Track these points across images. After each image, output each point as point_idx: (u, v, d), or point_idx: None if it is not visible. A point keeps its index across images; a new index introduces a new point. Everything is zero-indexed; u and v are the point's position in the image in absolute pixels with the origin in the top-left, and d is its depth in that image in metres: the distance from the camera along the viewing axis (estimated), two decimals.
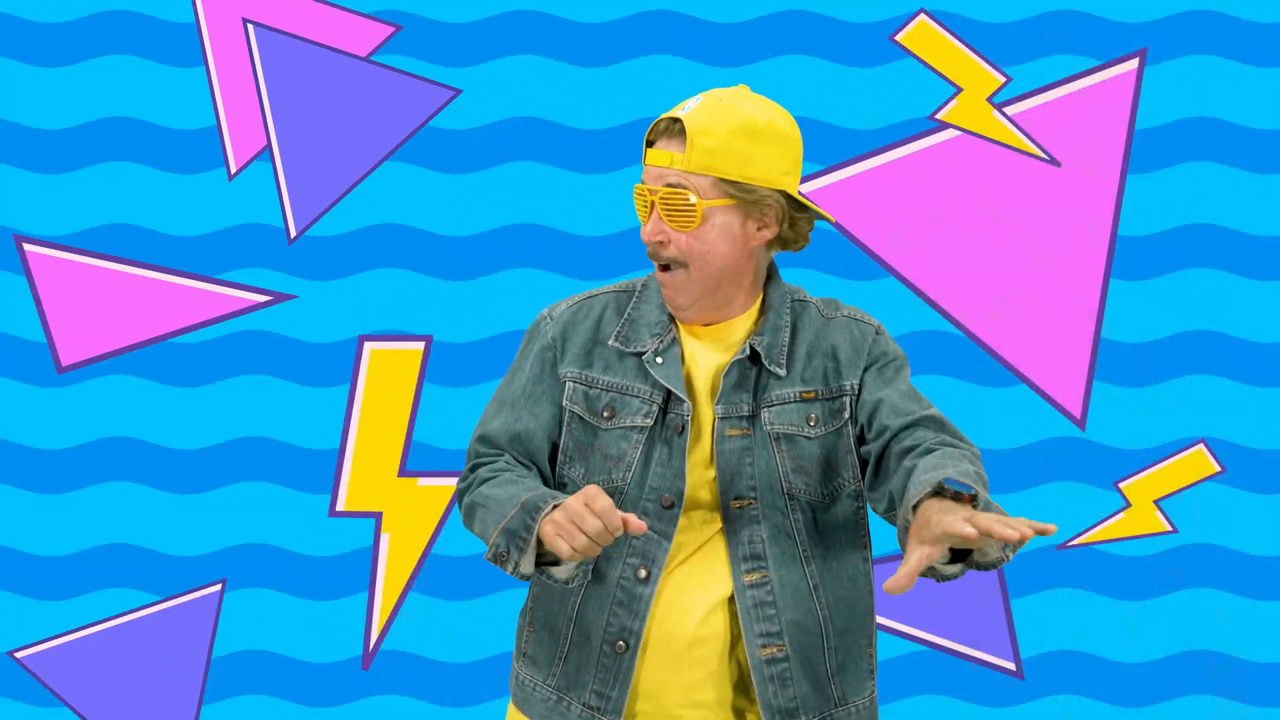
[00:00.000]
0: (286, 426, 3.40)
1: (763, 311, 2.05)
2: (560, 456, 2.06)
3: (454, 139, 3.39)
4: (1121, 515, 3.40)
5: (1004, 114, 3.37)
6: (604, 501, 1.79)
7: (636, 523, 1.79)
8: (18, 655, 3.40)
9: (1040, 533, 1.65)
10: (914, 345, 3.39)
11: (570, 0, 3.40)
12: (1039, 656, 3.42)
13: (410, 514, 3.40)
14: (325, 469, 3.40)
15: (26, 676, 3.40)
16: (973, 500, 1.73)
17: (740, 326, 2.04)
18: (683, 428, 1.99)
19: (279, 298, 3.39)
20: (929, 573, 1.79)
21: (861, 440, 2.03)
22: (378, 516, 3.40)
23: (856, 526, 2.05)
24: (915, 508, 1.76)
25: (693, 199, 1.94)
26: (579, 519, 1.79)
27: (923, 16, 3.38)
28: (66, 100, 3.38)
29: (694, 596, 2.00)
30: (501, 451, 2.06)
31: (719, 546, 2.01)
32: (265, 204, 3.39)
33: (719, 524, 2.01)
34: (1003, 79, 3.37)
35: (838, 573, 2.04)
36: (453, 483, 3.38)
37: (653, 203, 1.96)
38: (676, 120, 1.96)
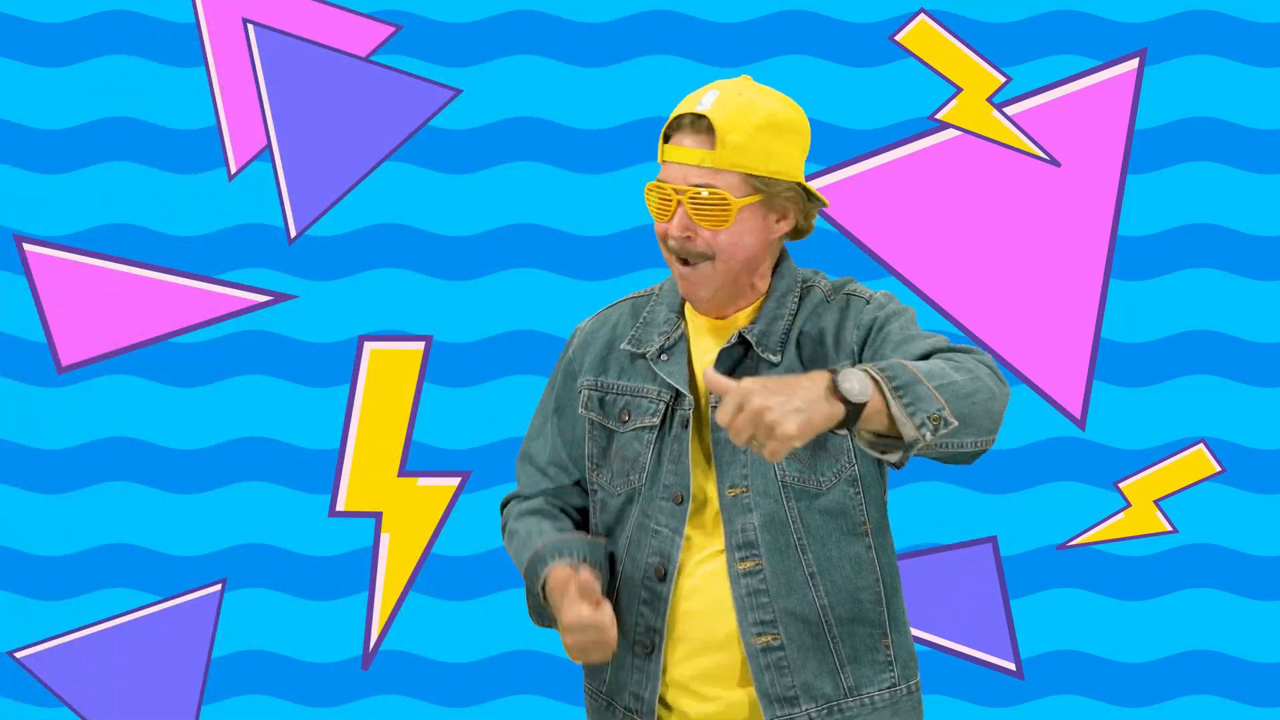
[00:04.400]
0: (286, 426, 3.40)
1: (765, 299, 2.03)
2: (588, 464, 2.08)
3: (454, 139, 3.39)
4: (1121, 515, 3.40)
5: (1004, 114, 3.37)
6: (571, 615, 1.92)
7: (590, 586, 1.91)
8: (18, 655, 3.40)
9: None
10: None
11: (570, 0, 3.39)
12: (1039, 656, 3.42)
13: (410, 514, 3.40)
14: (325, 469, 3.40)
15: (26, 676, 3.40)
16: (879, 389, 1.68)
17: (746, 317, 2.02)
18: (686, 423, 1.99)
19: (279, 298, 3.39)
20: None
21: None
22: (378, 516, 3.40)
23: (854, 513, 2.00)
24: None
25: (726, 197, 1.91)
26: (578, 648, 1.94)
27: (923, 16, 3.38)
28: (66, 100, 3.38)
29: (707, 590, 2.00)
30: (535, 490, 2.16)
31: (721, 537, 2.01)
32: (265, 204, 3.39)
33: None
34: (1003, 79, 3.37)
35: (837, 561, 1.99)
36: (453, 483, 3.39)
37: (679, 201, 1.93)
38: (701, 116, 1.92)
